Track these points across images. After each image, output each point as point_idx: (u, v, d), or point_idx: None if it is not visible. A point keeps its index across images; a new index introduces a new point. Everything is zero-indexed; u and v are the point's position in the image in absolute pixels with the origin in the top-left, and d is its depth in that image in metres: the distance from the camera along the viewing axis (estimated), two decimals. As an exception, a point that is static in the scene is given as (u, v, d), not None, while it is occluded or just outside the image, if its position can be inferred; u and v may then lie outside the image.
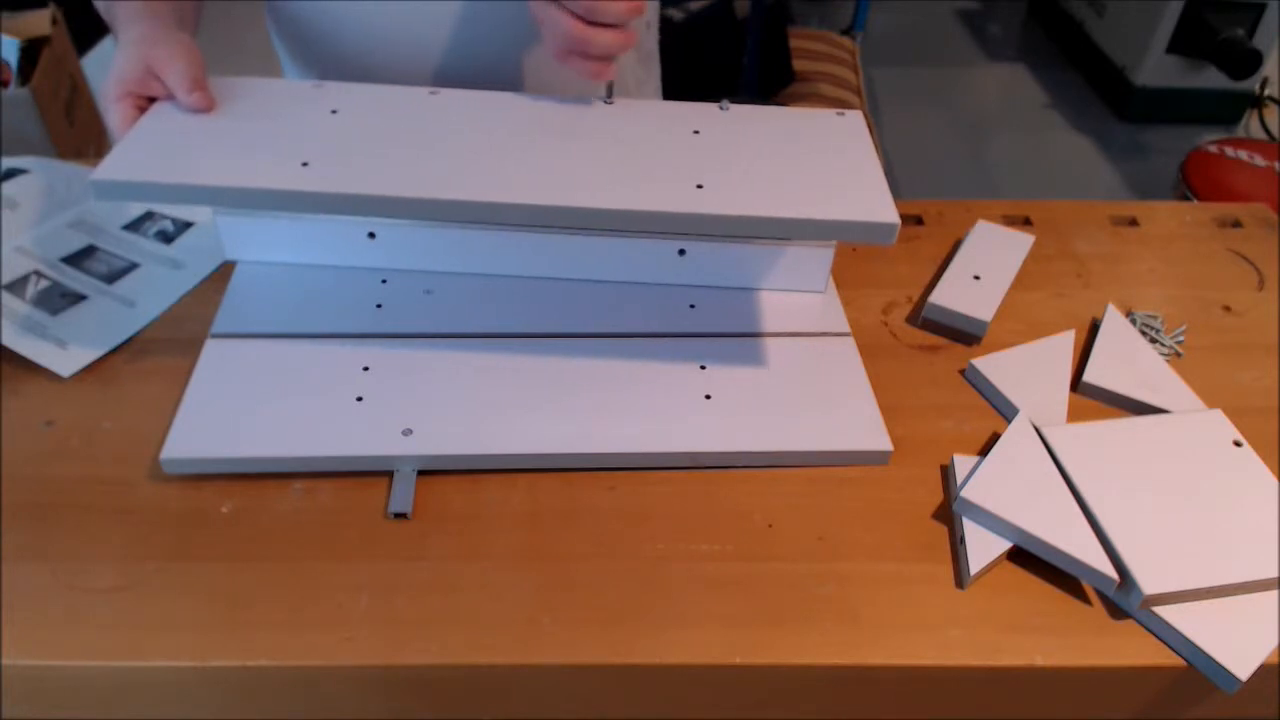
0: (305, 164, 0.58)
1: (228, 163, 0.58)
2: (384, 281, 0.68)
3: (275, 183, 0.56)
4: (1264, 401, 0.64)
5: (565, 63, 0.61)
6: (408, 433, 0.57)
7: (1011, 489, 0.54)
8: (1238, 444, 0.58)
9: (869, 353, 0.65)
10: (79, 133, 1.76)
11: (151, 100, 0.62)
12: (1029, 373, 0.64)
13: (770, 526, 0.55)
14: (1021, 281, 0.73)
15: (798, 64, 1.66)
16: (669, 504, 0.56)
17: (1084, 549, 0.51)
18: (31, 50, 1.64)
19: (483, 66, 0.78)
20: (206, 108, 0.61)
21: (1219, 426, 0.59)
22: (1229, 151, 1.73)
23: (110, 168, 0.56)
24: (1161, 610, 0.50)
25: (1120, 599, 0.51)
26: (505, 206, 0.56)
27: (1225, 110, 2.36)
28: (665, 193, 0.57)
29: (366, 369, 0.61)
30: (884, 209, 0.57)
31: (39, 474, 0.56)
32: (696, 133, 0.63)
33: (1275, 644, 0.49)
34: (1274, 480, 0.56)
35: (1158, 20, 2.24)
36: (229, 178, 0.57)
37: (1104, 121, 2.44)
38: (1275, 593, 0.51)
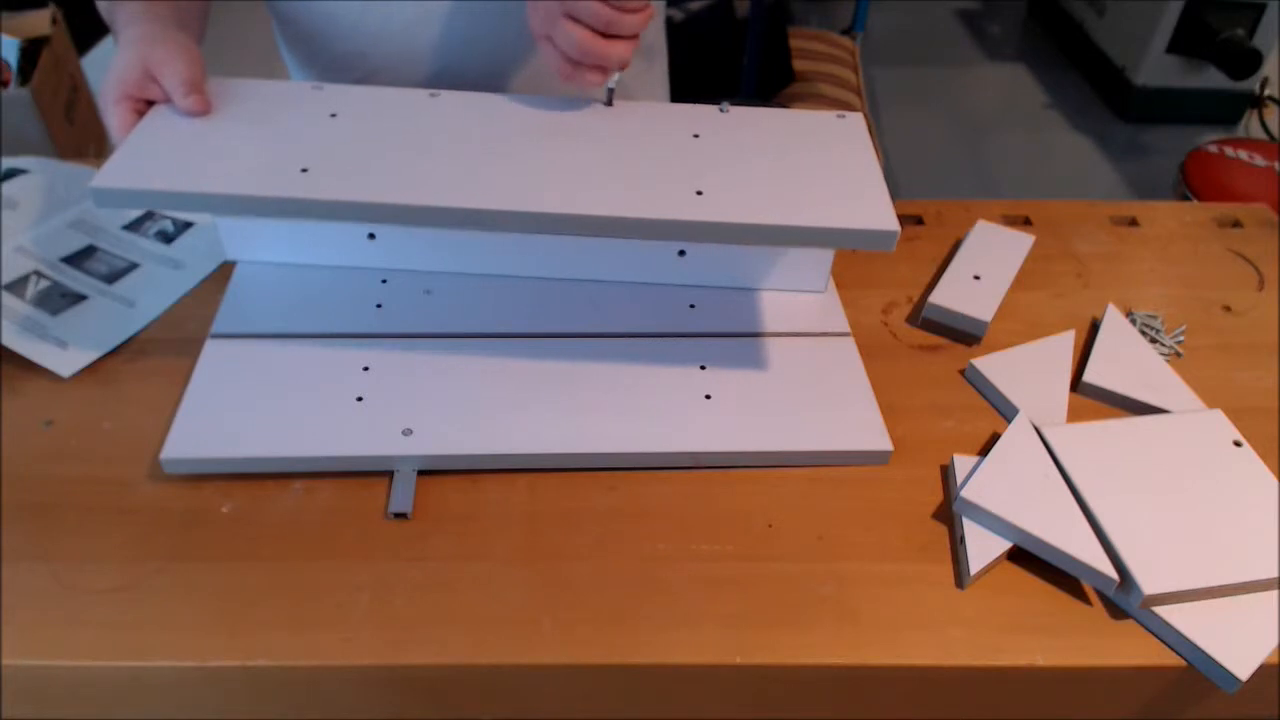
0: (304, 170, 0.58)
1: (226, 169, 0.58)
2: (384, 281, 0.68)
3: (274, 190, 0.56)
4: (1264, 401, 0.64)
5: (570, 78, 0.61)
6: (408, 433, 0.57)
7: (1011, 489, 0.54)
8: (1238, 444, 0.58)
9: (869, 353, 0.65)
10: (79, 133, 1.75)
11: (150, 102, 0.62)
12: (1029, 373, 0.64)
13: (770, 526, 0.55)
14: (1021, 281, 0.73)
15: (798, 64, 1.66)
16: (669, 504, 0.56)
17: (1084, 549, 0.51)
18: (31, 50, 1.64)
19: (484, 66, 0.78)
20: (203, 111, 0.61)
21: (1219, 426, 0.59)
22: (1229, 151, 1.73)
23: (109, 175, 0.56)
24: (1161, 610, 0.50)
25: (1120, 599, 0.51)
26: (504, 214, 0.56)
27: (1225, 110, 2.36)
28: (665, 199, 0.57)
29: (366, 369, 0.61)
30: (884, 216, 0.57)
31: (39, 474, 0.56)
32: (696, 136, 0.63)
33: (1275, 644, 0.49)
34: (1274, 480, 0.56)
35: (1158, 20, 2.24)
36: (228, 185, 0.56)
37: (1104, 121, 2.44)
38: (1275, 593, 0.51)
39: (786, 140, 0.64)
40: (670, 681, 0.50)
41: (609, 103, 0.66)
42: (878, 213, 0.57)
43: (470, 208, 0.56)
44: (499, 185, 0.57)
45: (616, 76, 0.63)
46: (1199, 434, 0.58)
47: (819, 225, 0.57)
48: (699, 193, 0.58)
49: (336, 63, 0.79)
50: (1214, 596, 0.50)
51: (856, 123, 0.66)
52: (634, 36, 0.60)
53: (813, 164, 0.61)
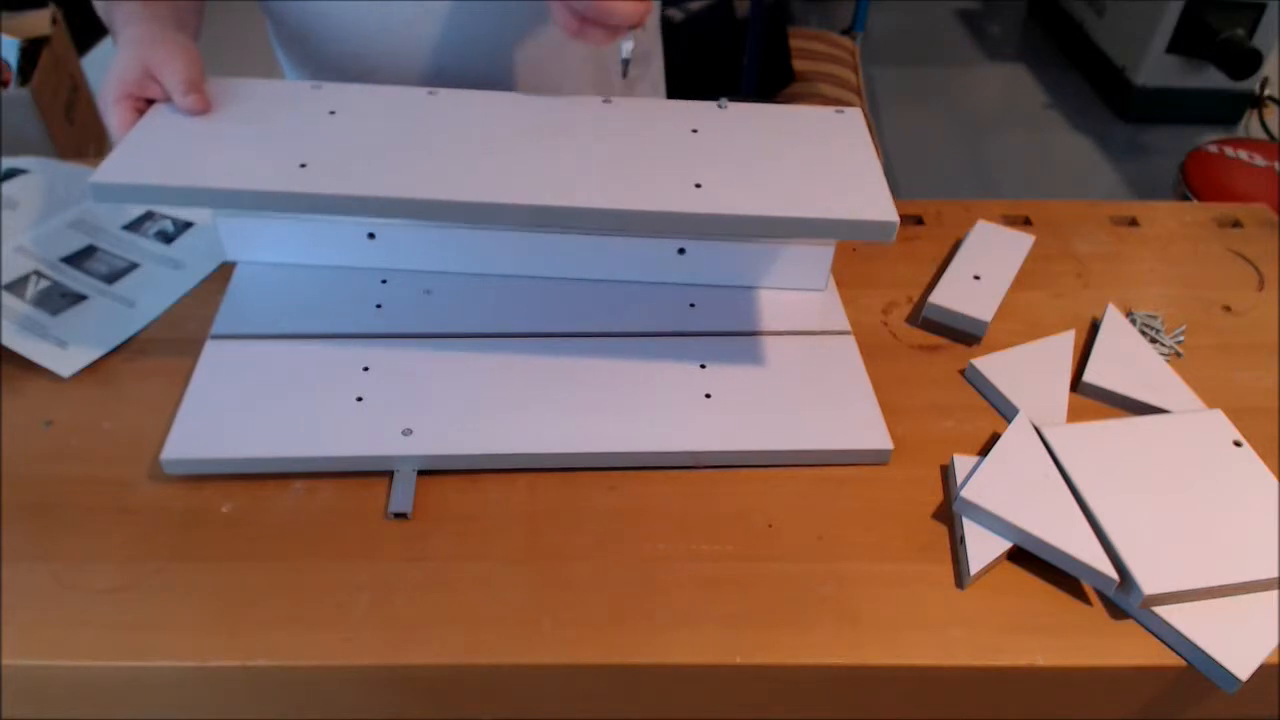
0: (303, 165, 0.58)
1: (226, 165, 0.58)
2: (384, 281, 0.68)
3: (273, 184, 0.56)
4: (1264, 401, 0.64)
5: (577, 34, 0.60)
6: (408, 433, 0.57)
7: (1011, 489, 0.54)
8: (1238, 444, 0.58)
9: (869, 353, 0.65)
10: (79, 133, 1.75)
11: (150, 101, 0.63)
12: (1029, 373, 0.64)
13: (770, 526, 0.55)
14: (1021, 281, 0.73)
15: (798, 64, 1.66)
16: (669, 504, 0.56)
17: (1084, 549, 0.51)
18: (31, 50, 1.64)
19: (482, 65, 0.78)
20: (202, 110, 0.61)
21: (1219, 426, 0.59)
22: (1229, 151, 1.73)
23: (109, 170, 0.56)
24: (1161, 610, 0.50)
25: (1120, 599, 0.51)
26: (503, 207, 0.56)
27: (1225, 110, 2.36)
28: (664, 192, 0.57)
29: (366, 369, 0.61)
30: (883, 207, 0.57)
31: (39, 474, 0.56)
32: (695, 131, 0.63)
33: (1275, 644, 0.49)
34: (1274, 480, 0.56)
35: (1158, 20, 2.24)
36: (227, 180, 0.57)
37: (1104, 121, 2.44)
38: (1275, 593, 0.51)
39: (785, 135, 0.64)
40: (670, 681, 0.50)
41: (625, 74, 0.66)
42: (877, 204, 0.57)
43: (469, 201, 0.56)
44: (498, 179, 0.57)
45: (631, 45, 0.63)
46: (1199, 434, 0.58)
47: (818, 216, 0.57)
48: (698, 185, 0.58)
49: (332, 63, 0.78)
50: (1214, 596, 0.50)
51: (855, 117, 0.66)
52: None
53: (811, 157, 0.61)
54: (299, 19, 0.77)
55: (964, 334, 0.69)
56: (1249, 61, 2.13)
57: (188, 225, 0.74)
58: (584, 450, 0.57)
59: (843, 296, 0.70)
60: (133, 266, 0.70)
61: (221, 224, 0.68)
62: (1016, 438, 0.58)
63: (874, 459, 0.59)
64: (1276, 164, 1.69)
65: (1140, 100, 2.37)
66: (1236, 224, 0.82)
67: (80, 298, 0.67)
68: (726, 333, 0.66)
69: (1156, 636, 0.50)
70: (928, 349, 0.68)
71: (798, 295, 0.69)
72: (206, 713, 0.51)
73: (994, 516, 0.53)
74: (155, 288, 0.69)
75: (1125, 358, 0.66)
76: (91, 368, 0.62)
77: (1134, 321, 0.70)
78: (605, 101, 0.66)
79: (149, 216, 0.75)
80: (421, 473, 0.56)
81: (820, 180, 0.59)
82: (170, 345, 0.64)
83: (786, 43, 1.66)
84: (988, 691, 0.51)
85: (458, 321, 0.65)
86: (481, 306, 0.67)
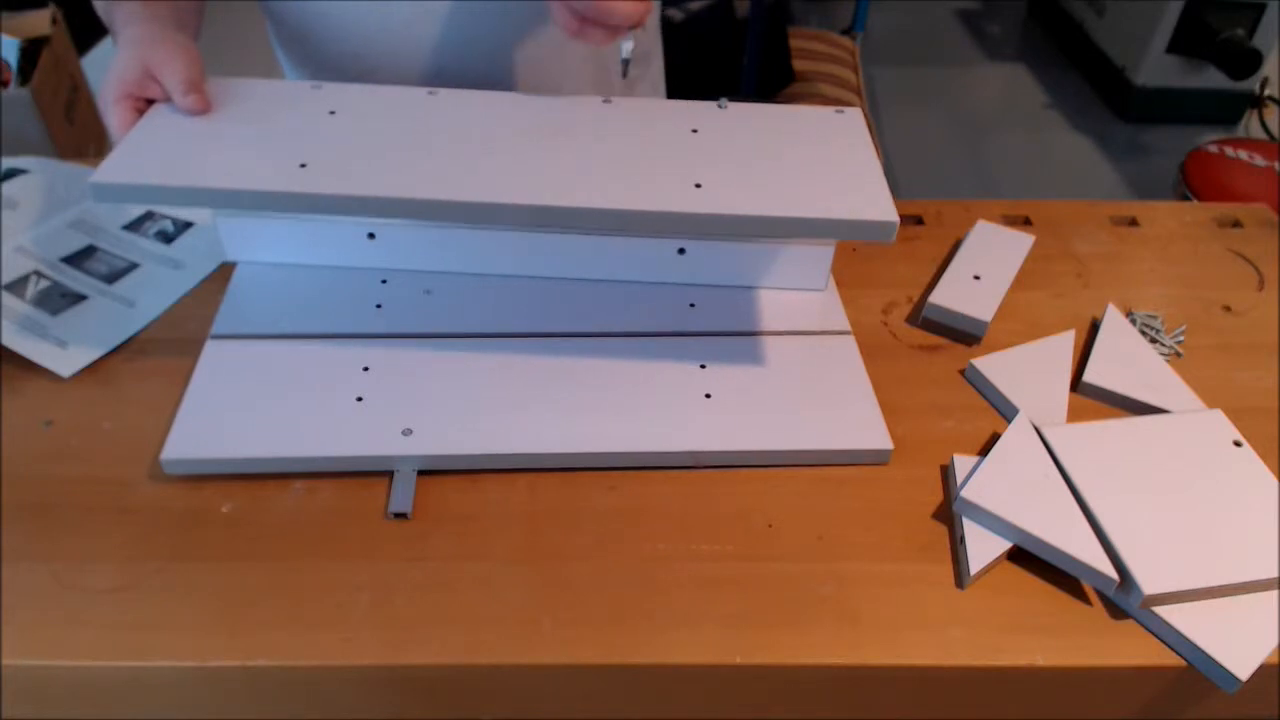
0: (303, 165, 0.58)
1: (226, 165, 0.58)
2: (384, 281, 0.68)
3: (273, 184, 0.56)
4: (1264, 401, 0.64)
5: (577, 34, 0.60)
6: (408, 433, 0.57)
7: (1011, 489, 0.54)
8: (1238, 444, 0.58)
9: (869, 353, 0.65)
10: (79, 133, 1.75)
11: (150, 101, 0.63)
12: (1029, 373, 0.64)
13: (770, 526, 0.55)
14: (1021, 281, 0.73)
15: (798, 64, 1.66)
16: (669, 504, 0.56)
17: (1084, 549, 0.51)
18: (31, 50, 1.64)
19: (482, 65, 0.78)
20: (202, 110, 0.61)
21: (1219, 426, 0.59)
22: (1229, 151, 1.73)
23: (109, 170, 0.56)
24: (1161, 610, 0.50)
25: (1120, 599, 0.51)
26: (504, 207, 0.56)
27: (1225, 110, 2.36)
28: (664, 192, 0.57)
29: (366, 369, 0.61)
30: (883, 207, 0.57)
31: (39, 474, 0.56)
32: (695, 131, 0.63)
33: (1275, 644, 0.49)
34: (1274, 480, 0.56)
35: (1158, 20, 2.24)
36: (227, 180, 0.57)
37: (1104, 121, 2.44)
38: (1275, 593, 0.51)
39: (785, 135, 0.64)
40: (670, 681, 0.50)
41: (625, 74, 0.66)
42: (877, 204, 0.57)
43: (469, 201, 0.56)
44: (498, 179, 0.57)
45: (631, 45, 0.63)
46: (1199, 434, 0.58)
47: (818, 216, 0.57)
48: (698, 185, 0.58)
49: (332, 63, 0.78)
50: (1214, 596, 0.50)
51: (855, 117, 0.66)
52: None
53: (811, 157, 0.61)
54: (299, 19, 0.77)
55: (964, 334, 0.69)
56: (1249, 61, 2.13)
57: (188, 225, 0.74)
58: (584, 450, 0.57)
59: (843, 296, 0.70)
60: (133, 266, 0.70)
61: (221, 224, 0.68)
62: (1016, 438, 0.58)
63: (874, 459, 0.59)
64: (1276, 164, 1.69)
65: (1140, 100, 2.37)
66: (1236, 224, 0.82)
67: (80, 298, 0.67)
68: (726, 333, 0.66)
69: (1156, 636, 0.50)
70: (928, 349, 0.68)
71: (798, 295, 0.69)
72: (206, 713, 0.51)
73: (994, 516, 0.53)
74: (155, 288, 0.69)
75: (1125, 358, 0.66)
76: (91, 368, 0.62)
77: (1134, 321, 0.70)
78: (605, 101, 0.66)
79: (149, 216, 0.75)
80: (421, 473, 0.56)
81: (820, 180, 0.59)
82: (170, 345, 0.64)
83: (786, 43, 1.66)
84: (988, 691, 0.51)
85: (458, 321, 0.65)
86: (481, 306, 0.67)
